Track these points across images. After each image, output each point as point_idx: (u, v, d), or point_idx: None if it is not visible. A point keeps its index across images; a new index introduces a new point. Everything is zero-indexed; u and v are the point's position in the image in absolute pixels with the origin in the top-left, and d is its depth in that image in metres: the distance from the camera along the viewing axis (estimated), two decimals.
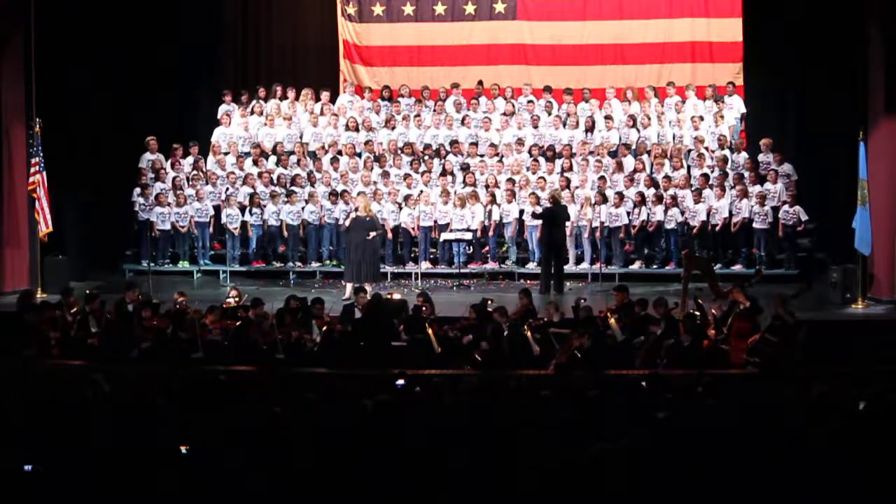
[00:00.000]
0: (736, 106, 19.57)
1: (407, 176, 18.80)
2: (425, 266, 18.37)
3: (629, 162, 18.79)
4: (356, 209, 17.14)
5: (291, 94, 20.34)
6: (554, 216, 17.30)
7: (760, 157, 18.70)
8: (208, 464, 7.65)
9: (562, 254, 17.56)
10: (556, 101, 20.04)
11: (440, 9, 21.19)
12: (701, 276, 14.40)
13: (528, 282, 17.56)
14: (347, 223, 17.10)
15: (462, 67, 21.11)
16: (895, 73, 16.04)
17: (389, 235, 18.49)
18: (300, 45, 21.70)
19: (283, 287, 17.65)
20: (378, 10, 21.21)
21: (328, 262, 18.58)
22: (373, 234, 16.87)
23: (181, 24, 20.17)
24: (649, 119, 19.31)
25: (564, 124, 19.67)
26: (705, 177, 18.14)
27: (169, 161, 19.33)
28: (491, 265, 18.49)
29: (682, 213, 17.94)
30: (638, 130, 19.40)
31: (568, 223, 17.76)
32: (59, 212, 18.13)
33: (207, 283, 18.33)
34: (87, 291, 14.69)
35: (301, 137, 19.85)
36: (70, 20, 18.30)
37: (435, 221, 18.37)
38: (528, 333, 12.91)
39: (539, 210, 17.55)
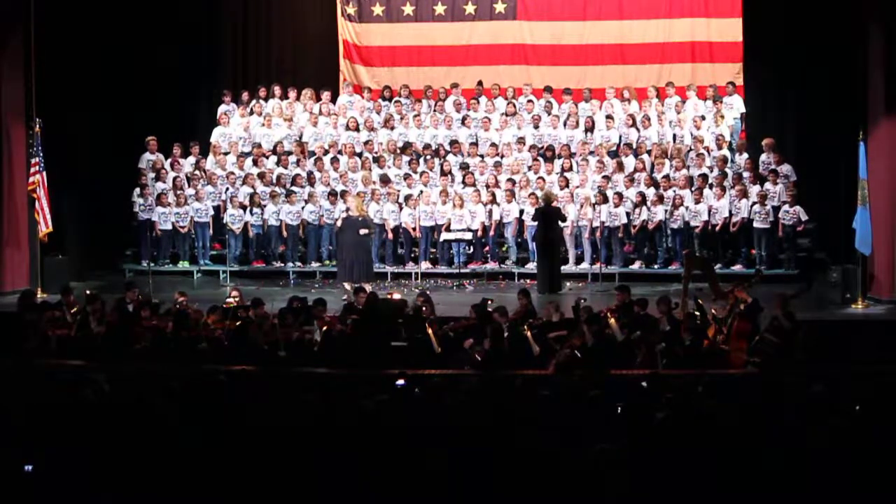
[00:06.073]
0: (736, 106, 19.57)
1: (407, 176, 18.81)
2: (425, 266, 18.37)
3: (629, 162, 18.79)
4: (348, 209, 17.14)
5: (292, 94, 20.35)
6: (546, 216, 17.27)
7: (763, 157, 18.69)
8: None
9: (556, 253, 17.50)
10: (556, 101, 20.04)
11: (440, 9, 21.20)
12: (701, 276, 14.40)
13: (528, 282, 17.53)
14: (339, 223, 17.09)
15: (462, 67, 21.13)
16: (895, 73, 16.04)
17: (390, 236, 18.50)
18: (300, 45, 21.72)
19: (283, 287, 17.66)
20: (378, 10, 21.23)
21: (328, 262, 18.57)
22: (364, 231, 16.84)
23: (181, 24, 20.17)
24: (649, 120, 19.32)
25: (565, 124, 19.68)
26: (704, 177, 18.15)
27: (168, 161, 19.34)
28: (491, 265, 18.49)
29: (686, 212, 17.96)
30: (638, 130, 19.40)
31: (566, 223, 17.73)
32: (59, 212, 18.13)
33: (207, 283, 18.32)
34: (88, 292, 14.69)
35: (300, 137, 19.85)
36: (70, 20, 18.29)
37: (435, 221, 18.38)
38: (528, 333, 12.91)
39: (531, 212, 17.57)
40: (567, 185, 18.28)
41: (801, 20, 18.72)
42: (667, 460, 7.56)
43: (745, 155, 18.73)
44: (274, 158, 19.47)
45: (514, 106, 19.89)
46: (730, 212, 17.88)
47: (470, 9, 21.15)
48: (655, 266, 18.17)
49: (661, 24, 20.64)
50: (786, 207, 17.68)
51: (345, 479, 7.57)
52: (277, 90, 20.39)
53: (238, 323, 13.55)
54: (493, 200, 18.38)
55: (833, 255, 17.32)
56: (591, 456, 7.37)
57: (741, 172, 18.26)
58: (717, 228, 17.91)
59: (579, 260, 18.40)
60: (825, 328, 14.06)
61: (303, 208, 18.53)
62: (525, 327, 13.01)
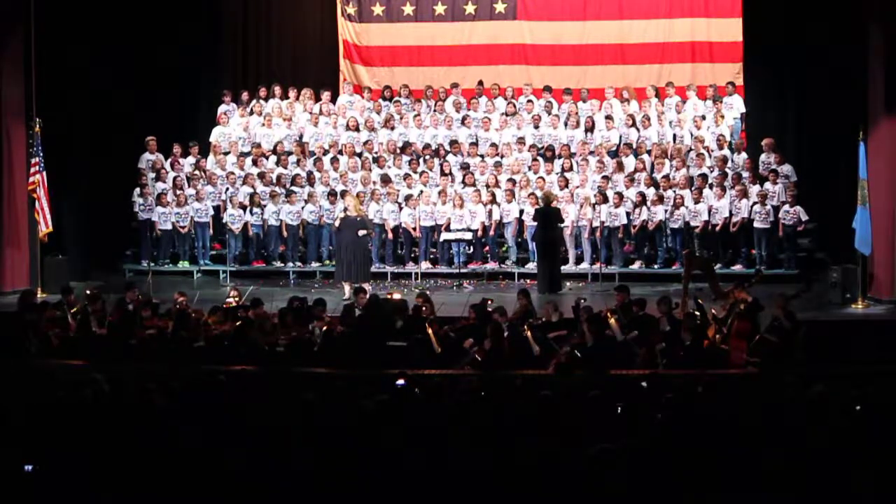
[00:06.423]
0: (736, 106, 19.58)
1: (407, 176, 18.81)
2: (425, 266, 18.37)
3: (629, 162, 18.79)
4: (345, 209, 17.16)
5: (292, 94, 20.35)
6: (545, 217, 17.27)
7: (763, 157, 18.69)
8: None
9: (556, 253, 17.51)
10: (556, 101, 20.04)
11: (440, 9, 21.20)
12: (701, 276, 14.40)
13: (528, 282, 17.54)
14: (337, 223, 17.11)
15: (462, 67, 21.13)
16: (895, 73, 16.04)
17: (390, 235, 18.49)
18: (300, 45, 21.72)
19: (283, 287, 17.66)
20: (378, 10, 21.23)
21: (328, 262, 18.56)
22: (362, 232, 16.84)
23: (181, 24, 20.17)
24: (649, 120, 19.32)
25: (565, 124, 19.68)
26: (704, 177, 18.15)
27: (168, 161, 19.34)
28: (491, 265, 18.49)
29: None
30: (637, 130, 19.40)
31: (564, 224, 17.73)
32: (59, 212, 18.14)
33: (207, 283, 18.30)
34: (88, 291, 14.68)
35: (301, 137, 19.85)
36: (70, 20, 18.28)
37: (435, 221, 18.38)
38: (528, 333, 12.91)
39: (531, 212, 17.59)
40: (567, 185, 18.27)
41: (801, 20, 18.73)
42: (667, 460, 7.55)
43: (745, 155, 18.73)
44: (274, 158, 19.47)
45: (514, 106, 19.89)
46: (730, 212, 17.88)
47: (470, 9, 21.15)
48: (655, 266, 18.17)
49: (661, 24, 20.65)
50: (786, 207, 17.69)
51: (345, 479, 7.57)
52: (277, 90, 20.40)
53: (238, 323, 13.56)
54: (493, 200, 18.37)
55: (833, 255, 17.31)
56: (591, 456, 7.37)
57: (741, 172, 18.25)
58: (717, 228, 17.91)
59: (579, 260, 18.40)
60: (825, 328, 14.07)
61: (303, 208, 18.52)
62: (525, 327, 13.01)
